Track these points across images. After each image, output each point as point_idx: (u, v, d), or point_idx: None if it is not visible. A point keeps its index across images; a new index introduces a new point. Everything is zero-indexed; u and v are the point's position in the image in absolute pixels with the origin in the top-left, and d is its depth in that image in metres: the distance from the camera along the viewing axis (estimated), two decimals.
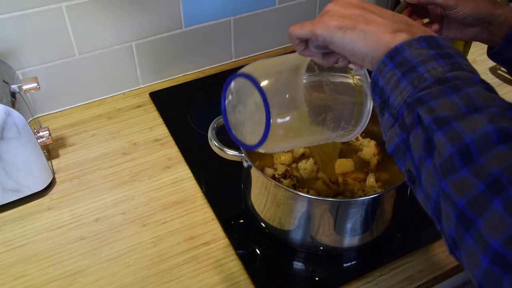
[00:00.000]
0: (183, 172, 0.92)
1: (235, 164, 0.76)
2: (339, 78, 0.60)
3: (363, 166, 0.85)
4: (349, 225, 0.72)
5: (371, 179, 0.80)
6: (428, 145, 0.41)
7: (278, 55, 0.57)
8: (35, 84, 0.85)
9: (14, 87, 0.83)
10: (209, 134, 0.75)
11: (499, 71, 1.15)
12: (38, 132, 0.85)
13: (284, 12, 1.19)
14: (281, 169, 0.81)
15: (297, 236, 0.75)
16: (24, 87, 0.84)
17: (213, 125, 0.76)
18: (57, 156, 0.96)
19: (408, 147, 0.44)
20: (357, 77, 0.60)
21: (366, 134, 0.88)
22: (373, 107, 0.61)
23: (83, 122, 1.03)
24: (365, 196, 0.75)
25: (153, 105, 1.08)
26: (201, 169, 0.92)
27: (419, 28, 0.49)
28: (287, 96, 0.55)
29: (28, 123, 0.80)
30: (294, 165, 0.84)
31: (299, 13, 1.21)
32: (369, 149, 0.85)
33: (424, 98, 0.42)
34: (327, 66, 0.56)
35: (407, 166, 0.45)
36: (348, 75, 0.60)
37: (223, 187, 0.89)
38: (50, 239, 0.81)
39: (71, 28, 0.96)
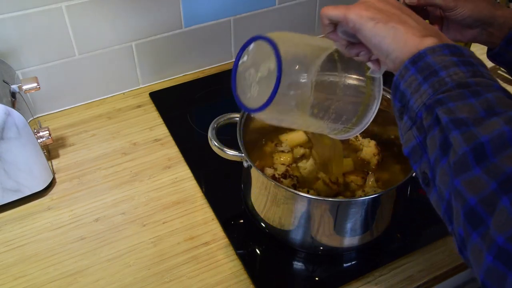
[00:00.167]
0: (183, 172, 0.92)
1: (235, 164, 0.76)
2: (354, 75, 0.60)
3: (363, 166, 0.85)
4: (349, 225, 0.72)
5: (371, 179, 0.80)
6: (444, 144, 0.42)
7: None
8: (35, 84, 0.85)
9: (14, 87, 0.83)
10: (209, 134, 0.75)
11: (499, 71, 1.15)
12: (38, 132, 0.85)
13: (284, 12, 1.19)
14: (281, 169, 0.81)
15: (297, 236, 0.76)
16: (24, 87, 0.84)
17: (213, 125, 0.76)
18: (57, 156, 0.96)
19: (425, 149, 0.45)
20: (371, 78, 0.60)
21: (366, 134, 0.88)
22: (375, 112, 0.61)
23: (83, 122, 1.03)
24: (365, 196, 0.75)
25: (153, 105, 1.08)
26: (201, 169, 0.92)
27: (447, 39, 0.49)
28: (301, 73, 0.55)
29: (28, 123, 0.80)
30: (294, 165, 0.84)
31: (299, 13, 1.21)
32: (369, 149, 0.85)
33: (443, 100, 0.43)
34: (348, 56, 0.56)
35: (422, 168, 0.46)
36: (362, 77, 0.60)
37: (223, 187, 0.89)
38: (50, 239, 0.81)
39: (71, 28, 0.96)
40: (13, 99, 0.81)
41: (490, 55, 0.74)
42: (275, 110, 0.55)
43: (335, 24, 0.54)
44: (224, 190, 0.89)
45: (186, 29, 1.09)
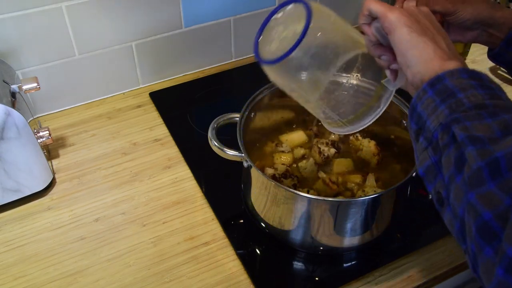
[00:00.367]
0: (183, 172, 0.92)
1: (235, 164, 0.76)
2: (369, 76, 0.61)
3: (363, 166, 0.85)
4: (349, 225, 0.72)
5: (371, 179, 0.80)
6: (459, 161, 0.42)
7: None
8: (35, 84, 0.85)
9: (14, 87, 0.83)
10: (209, 134, 0.75)
11: (499, 71, 1.15)
12: (38, 132, 0.85)
13: None
14: (281, 169, 0.81)
15: (297, 236, 0.76)
16: (24, 87, 0.84)
17: (213, 125, 0.76)
18: (57, 156, 0.96)
19: (440, 168, 0.45)
20: (383, 87, 0.60)
21: (366, 134, 0.88)
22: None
23: (83, 122, 1.03)
24: (365, 196, 0.75)
25: (153, 105, 1.08)
26: (201, 169, 0.92)
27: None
28: (322, 49, 0.56)
29: (28, 123, 0.80)
30: (294, 165, 0.84)
31: None
32: (369, 149, 0.85)
33: (460, 118, 0.43)
34: (371, 53, 0.57)
35: (437, 188, 0.46)
36: (377, 83, 0.60)
37: (223, 187, 0.89)
38: (50, 239, 0.81)
39: (71, 28, 0.96)
40: (13, 99, 0.81)
41: (490, 55, 0.74)
42: (282, 71, 0.56)
43: (373, 18, 0.54)
44: (224, 190, 0.89)
45: (186, 29, 1.09)
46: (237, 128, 0.75)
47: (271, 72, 0.59)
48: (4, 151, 0.78)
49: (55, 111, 1.06)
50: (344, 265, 0.78)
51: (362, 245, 0.77)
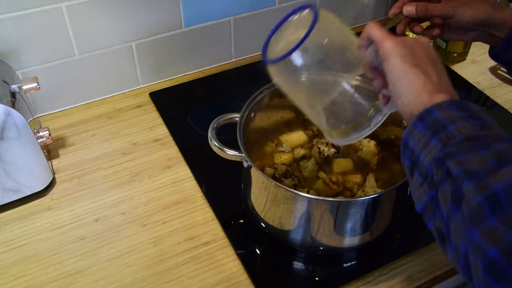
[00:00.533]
0: (183, 172, 0.92)
1: (235, 164, 0.76)
2: (364, 93, 0.62)
3: (363, 166, 0.85)
4: (349, 225, 0.72)
5: (371, 179, 0.80)
6: (456, 196, 0.41)
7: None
8: (35, 84, 0.85)
9: (14, 87, 0.83)
10: (209, 134, 0.75)
11: (499, 71, 1.15)
12: (38, 132, 0.85)
13: (284, 12, 1.17)
14: (281, 169, 0.81)
15: (297, 236, 0.76)
16: (24, 87, 0.84)
17: (213, 125, 0.76)
18: (57, 156, 0.96)
19: (437, 204, 0.45)
20: (377, 108, 0.61)
21: None
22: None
23: (83, 122, 1.03)
24: (365, 196, 0.75)
25: (153, 105, 1.08)
26: (201, 169, 0.92)
27: (457, 96, 0.50)
28: (324, 53, 0.57)
29: (28, 123, 0.80)
30: (294, 165, 0.84)
31: None
32: (369, 149, 0.85)
33: (453, 152, 0.43)
34: (366, 75, 0.58)
35: (436, 225, 0.45)
36: (371, 102, 0.61)
37: (223, 187, 0.89)
38: (50, 239, 0.81)
39: (71, 28, 0.96)
40: (13, 99, 0.81)
41: (491, 54, 0.74)
42: (285, 71, 0.58)
43: (371, 42, 0.55)
44: (224, 190, 0.89)
45: (186, 29, 1.09)
46: (237, 128, 0.75)
47: (274, 71, 0.60)
48: (4, 151, 0.78)
49: (55, 111, 1.06)
50: (344, 265, 0.78)
51: (362, 245, 0.77)
